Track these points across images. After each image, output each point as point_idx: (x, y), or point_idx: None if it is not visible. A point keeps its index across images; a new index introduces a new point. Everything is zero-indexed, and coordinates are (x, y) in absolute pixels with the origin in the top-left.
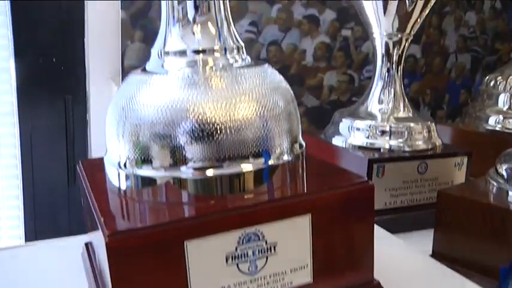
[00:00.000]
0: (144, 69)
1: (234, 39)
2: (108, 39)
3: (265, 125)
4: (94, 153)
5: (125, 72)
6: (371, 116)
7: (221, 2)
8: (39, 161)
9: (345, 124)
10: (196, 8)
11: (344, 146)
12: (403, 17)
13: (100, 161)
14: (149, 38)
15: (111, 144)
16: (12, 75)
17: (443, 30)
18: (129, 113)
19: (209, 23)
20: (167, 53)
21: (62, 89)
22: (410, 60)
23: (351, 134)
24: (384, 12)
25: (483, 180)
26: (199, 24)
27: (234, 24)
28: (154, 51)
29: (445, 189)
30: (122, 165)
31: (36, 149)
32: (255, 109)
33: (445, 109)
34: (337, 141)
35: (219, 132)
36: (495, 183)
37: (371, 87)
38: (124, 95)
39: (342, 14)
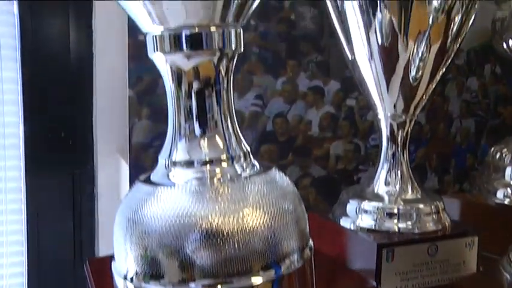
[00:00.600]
0: (150, 179)
1: (242, 146)
2: (116, 116)
3: (274, 235)
4: (101, 229)
5: (132, 149)
6: (378, 198)
7: (228, 117)
8: (45, 237)
9: (352, 205)
10: (203, 126)
11: (352, 227)
12: (408, 94)
13: (107, 262)
14: (157, 115)
15: (118, 253)
16: (20, 153)
17: (447, 96)
18: (136, 225)
19: (217, 137)
20: (174, 164)
21: (70, 163)
22: (415, 127)
23: (358, 216)
24: (387, 90)
25: (497, 270)
26: (206, 139)
27: (240, 99)
28: (161, 159)
29: (458, 280)
30: (129, 278)
31: (43, 225)
32: (264, 220)
33: (452, 174)
34: (345, 222)
35: (227, 246)
36: (509, 276)
37: (377, 168)
38: (131, 206)
39: (346, 84)
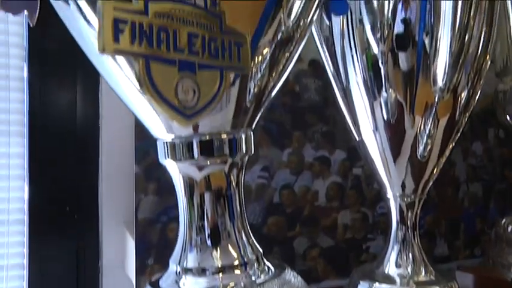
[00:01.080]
0: (159, 285)
1: (254, 250)
2: (122, 191)
3: None
4: None
5: (138, 224)
6: (389, 280)
7: (241, 225)
8: None
9: (363, 287)
10: (216, 238)
11: None
12: (416, 171)
13: None
14: (163, 190)
15: None
16: (24, 230)
17: (453, 162)
18: None
19: (229, 246)
20: (185, 271)
21: (75, 237)
22: None
23: None
24: (395, 169)
25: None
26: (218, 249)
27: (246, 172)
28: (172, 264)
29: None
30: None
31: None
32: None
33: (461, 239)
34: None
35: None
36: None
37: (387, 249)
38: None
39: (352, 153)
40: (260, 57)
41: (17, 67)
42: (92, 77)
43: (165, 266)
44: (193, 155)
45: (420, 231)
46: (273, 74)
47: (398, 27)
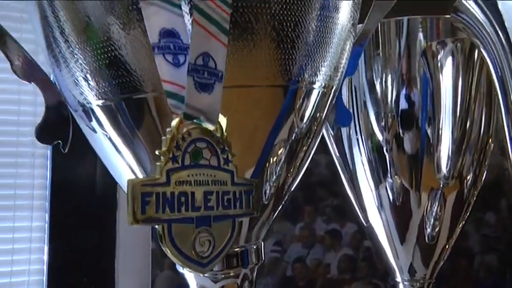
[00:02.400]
0: None
1: None
2: (138, 266)
3: None
4: None
5: None
6: None
7: None
8: None
9: None
10: None
11: None
12: (425, 253)
13: None
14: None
15: None
16: None
17: (466, 232)
18: None
19: None
20: None
21: None
22: None
23: None
24: (403, 251)
25: None
26: None
27: None
28: None
29: None
30: None
31: None
32: None
33: None
34: None
35: None
36: None
37: None
38: None
39: (363, 226)
40: (275, 158)
41: (42, 146)
42: None
43: None
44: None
45: None
46: (291, 170)
47: (402, 116)
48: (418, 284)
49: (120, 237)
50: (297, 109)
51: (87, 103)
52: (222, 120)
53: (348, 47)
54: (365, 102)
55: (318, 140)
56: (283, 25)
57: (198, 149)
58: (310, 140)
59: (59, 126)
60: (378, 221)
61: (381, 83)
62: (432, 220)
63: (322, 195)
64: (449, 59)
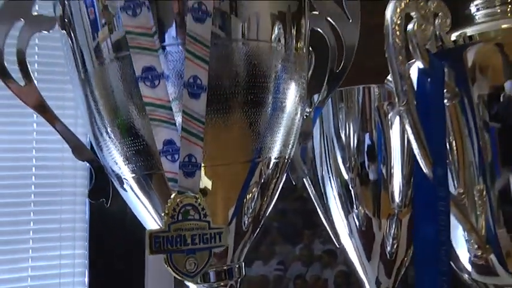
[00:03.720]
0: None
1: None
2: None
3: None
4: None
5: None
6: None
7: None
8: None
9: None
10: None
11: None
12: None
13: None
14: None
15: None
16: None
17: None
18: None
19: None
20: None
21: None
22: None
23: None
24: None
25: None
26: None
27: (264, 265)
28: None
29: None
30: None
31: None
32: None
33: None
34: None
35: None
36: None
37: None
38: None
39: None
40: (250, 195)
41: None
42: None
43: None
44: (209, 279)
45: None
46: (263, 203)
47: (362, 159)
48: None
49: (148, 263)
50: (261, 172)
51: (122, 175)
52: (207, 183)
53: (296, 126)
54: (334, 148)
55: (283, 179)
56: (250, 119)
57: (187, 210)
58: (275, 181)
59: (103, 189)
60: (348, 243)
61: (345, 132)
62: (391, 240)
63: (319, 221)
64: (398, 117)
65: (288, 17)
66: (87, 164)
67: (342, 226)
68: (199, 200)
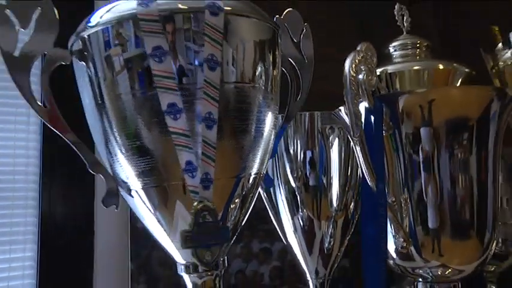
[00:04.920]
0: None
1: None
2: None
3: None
4: None
5: None
6: None
7: None
8: None
9: None
10: None
11: None
12: (324, 260)
13: None
14: (151, 281)
15: None
16: None
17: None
18: None
19: None
20: None
21: None
22: None
23: None
24: (311, 259)
25: None
26: None
27: None
28: None
29: None
30: None
31: None
32: None
33: None
34: None
35: None
36: None
37: None
38: None
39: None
40: (233, 205)
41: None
42: (88, 191)
43: None
44: (197, 270)
45: None
46: (242, 212)
47: (307, 171)
48: (320, 281)
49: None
50: (243, 186)
51: (132, 186)
52: None
53: (270, 147)
54: (284, 160)
55: (257, 192)
56: (238, 144)
57: (204, 214)
58: (252, 194)
59: (114, 197)
60: (293, 241)
61: (293, 148)
62: (328, 238)
63: (257, 223)
64: (336, 138)
65: (268, 63)
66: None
67: (289, 226)
68: (213, 206)
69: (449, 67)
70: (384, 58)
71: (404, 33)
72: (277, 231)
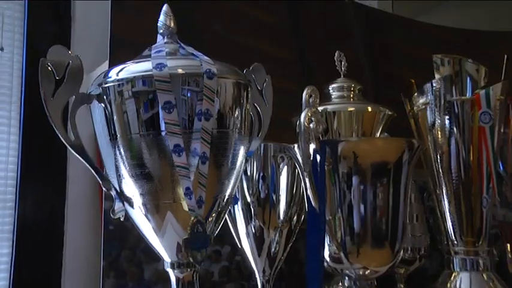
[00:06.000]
0: None
1: None
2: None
3: None
4: None
5: None
6: None
7: None
8: None
9: None
10: None
11: None
12: (271, 263)
13: None
14: (119, 276)
15: None
16: None
17: (298, 249)
18: None
19: None
20: None
21: None
22: None
23: None
24: (260, 261)
25: None
26: None
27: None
28: None
29: None
30: None
31: None
32: None
33: None
34: None
35: None
36: None
37: None
38: None
39: (235, 248)
40: (211, 219)
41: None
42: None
43: None
44: (179, 267)
45: None
46: (218, 223)
47: (260, 189)
48: (266, 278)
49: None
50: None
51: (134, 202)
52: None
53: (241, 173)
54: (242, 179)
55: (229, 208)
56: (217, 173)
57: (197, 226)
58: (225, 211)
59: (122, 209)
60: (246, 245)
61: (250, 169)
62: (275, 244)
63: None
64: (285, 164)
65: (242, 111)
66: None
67: (243, 232)
68: (203, 220)
69: (376, 110)
70: (325, 97)
71: (342, 76)
72: (227, 236)
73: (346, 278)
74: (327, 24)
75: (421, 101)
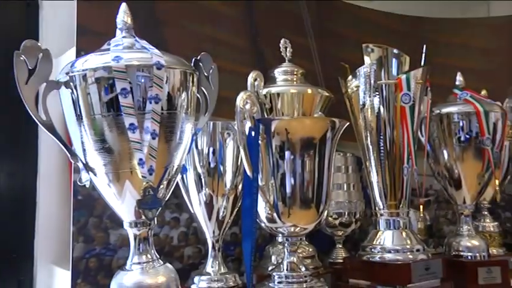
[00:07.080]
0: None
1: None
2: (63, 241)
3: None
4: None
5: (73, 259)
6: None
7: (152, 247)
8: None
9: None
10: (145, 249)
11: None
12: (220, 226)
13: None
14: (88, 240)
15: None
16: None
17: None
18: None
19: (152, 251)
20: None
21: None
22: None
23: None
24: (210, 225)
25: None
26: (145, 253)
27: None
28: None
29: None
30: None
31: None
32: None
33: None
34: None
35: None
36: None
37: (205, 262)
38: None
39: (192, 216)
40: (162, 186)
41: None
42: (31, 154)
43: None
44: (137, 226)
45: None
46: (168, 189)
47: (210, 160)
48: (216, 238)
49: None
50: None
51: (96, 171)
52: None
53: (188, 146)
54: (194, 153)
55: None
56: (167, 147)
57: (148, 190)
58: (174, 179)
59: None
60: (198, 210)
61: (201, 144)
62: (222, 209)
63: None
64: (231, 139)
65: (189, 95)
66: None
67: (195, 200)
68: (154, 185)
69: (315, 92)
70: (269, 79)
71: (286, 61)
72: (185, 204)
73: (280, 235)
74: (278, 13)
75: (354, 83)
